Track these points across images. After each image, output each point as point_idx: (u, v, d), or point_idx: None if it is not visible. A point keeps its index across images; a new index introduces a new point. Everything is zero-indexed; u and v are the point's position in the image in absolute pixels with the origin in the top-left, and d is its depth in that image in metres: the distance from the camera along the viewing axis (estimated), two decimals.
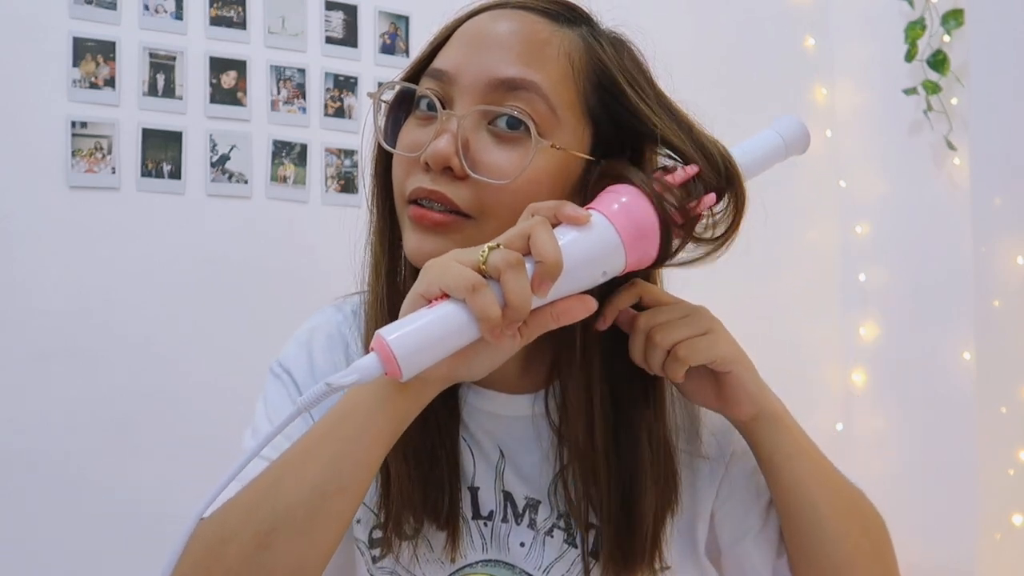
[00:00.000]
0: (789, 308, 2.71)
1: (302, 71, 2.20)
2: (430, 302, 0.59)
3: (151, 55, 2.05)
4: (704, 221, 0.68)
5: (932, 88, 2.44)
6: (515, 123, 0.66)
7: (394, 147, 0.71)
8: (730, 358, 0.70)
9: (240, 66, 2.14)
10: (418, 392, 0.62)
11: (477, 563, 0.75)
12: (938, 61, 2.42)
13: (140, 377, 2.00)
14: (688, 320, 0.70)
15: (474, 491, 0.76)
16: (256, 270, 2.13)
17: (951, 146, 2.42)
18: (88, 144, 1.98)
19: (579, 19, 0.72)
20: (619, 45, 0.72)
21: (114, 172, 2.00)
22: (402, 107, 0.73)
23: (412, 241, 0.68)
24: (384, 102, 0.74)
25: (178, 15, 2.08)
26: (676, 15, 2.55)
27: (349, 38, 2.27)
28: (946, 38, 2.42)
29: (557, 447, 0.75)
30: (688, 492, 0.78)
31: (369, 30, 2.29)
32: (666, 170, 0.68)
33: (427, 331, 0.57)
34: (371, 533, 0.75)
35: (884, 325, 2.70)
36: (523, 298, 0.58)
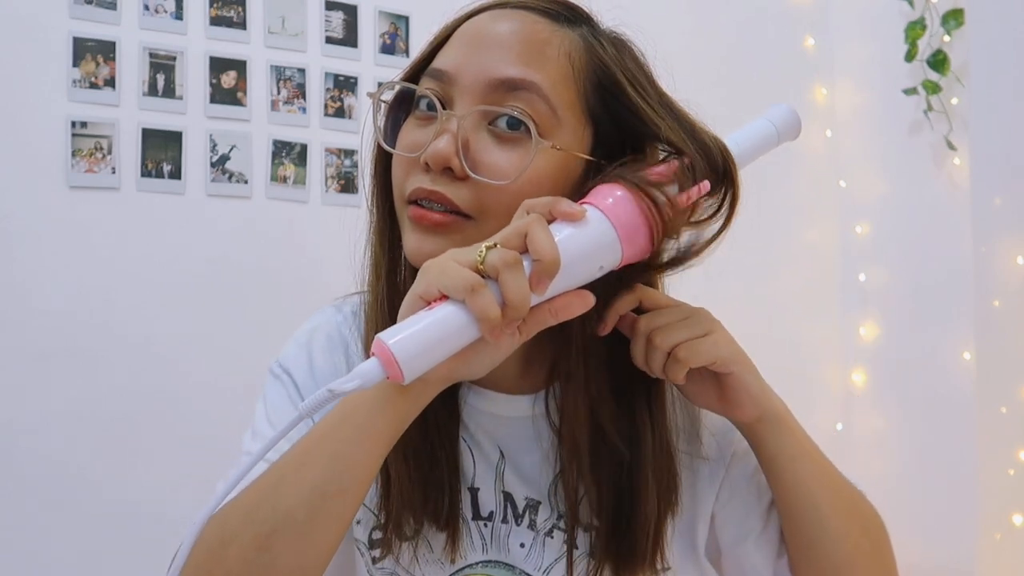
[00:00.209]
0: (789, 308, 2.71)
1: (302, 71, 2.20)
2: (429, 304, 0.59)
3: (151, 55, 2.05)
4: (698, 213, 0.68)
5: (932, 88, 2.44)
6: (515, 123, 0.66)
7: (394, 147, 0.71)
8: (731, 359, 0.70)
9: (240, 66, 2.14)
10: (418, 393, 0.62)
11: (477, 564, 0.75)
12: (938, 61, 2.42)
13: (140, 377, 2.00)
14: (688, 322, 0.70)
15: (474, 492, 0.76)
16: (256, 270, 2.13)
17: (951, 146, 2.42)
18: (88, 144, 1.98)
19: (579, 19, 0.72)
20: (619, 45, 0.72)
21: (114, 172, 2.00)
22: (402, 107, 0.73)
23: (412, 241, 0.68)
24: (384, 102, 0.74)
25: (178, 15, 2.08)
26: (676, 15, 2.55)
27: (349, 38, 2.27)
28: (946, 38, 2.42)
29: (557, 448, 0.74)
30: (688, 493, 0.77)
31: (369, 30, 2.29)
32: (659, 162, 0.68)
33: (428, 333, 0.57)
34: (371, 534, 0.75)
35: (884, 325, 2.70)
36: (522, 297, 0.58)
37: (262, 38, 2.17)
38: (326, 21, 2.24)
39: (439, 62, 0.70)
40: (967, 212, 2.17)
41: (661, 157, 0.70)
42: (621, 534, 0.73)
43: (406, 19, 2.33)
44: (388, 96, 0.74)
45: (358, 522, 0.75)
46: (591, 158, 0.69)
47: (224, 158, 2.11)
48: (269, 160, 2.16)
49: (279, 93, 2.18)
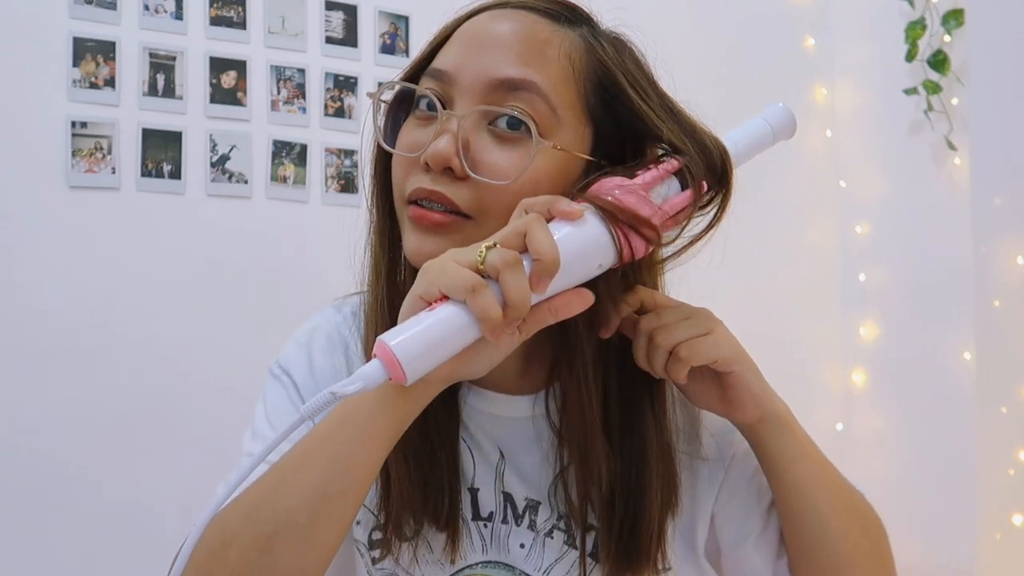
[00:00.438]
0: (789, 308, 2.71)
1: (302, 71, 2.20)
2: (430, 304, 0.59)
3: (151, 55, 2.05)
4: (693, 212, 0.68)
5: (932, 88, 2.44)
6: (516, 123, 0.66)
7: (394, 147, 0.71)
8: (732, 358, 0.70)
9: (240, 66, 2.14)
10: (419, 393, 0.62)
11: (477, 564, 0.75)
12: (938, 61, 2.42)
13: (140, 377, 2.00)
14: (690, 321, 0.70)
15: (474, 492, 0.76)
16: (256, 270, 2.13)
17: (951, 146, 2.42)
18: (88, 144, 1.98)
19: (579, 19, 0.72)
20: (620, 45, 0.72)
21: (114, 172, 2.00)
22: (402, 107, 0.73)
23: (412, 241, 0.68)
24: (384, 102, 0.74)
25: (178, 15, 2.08)
26: (676, 15, 2.55)
27: (349, 38, 2.27)
28: (946, 38, 2.42)
29: (557, 448, 0.74)
30: (688, 493, 0.77)
31: (369, 30, 2.29)
32: (657, 160, 0.68)
33: (429, 334, 0.57)
34: (371, 534, 0.75)
35: (884, 325, 2.70)
36: (523, 297, 0.58)
37: (262, 38, 2.17)
38: (326, 21, 2.24)
39: (439, 62, 0.70)
40: (967, 212, 2.17)
41: (660, 155, 0.70)
42: (624, 534, 0.72)
43: (406, 19, 2.33)
44: (388, 96, 0.74)
45: (358, 523, 0.75)
46: (591, 158, 0.69)
47: (224, 158, 2.11)
48: (269, 160, 2.16)
49: (279, 93, 2.18)
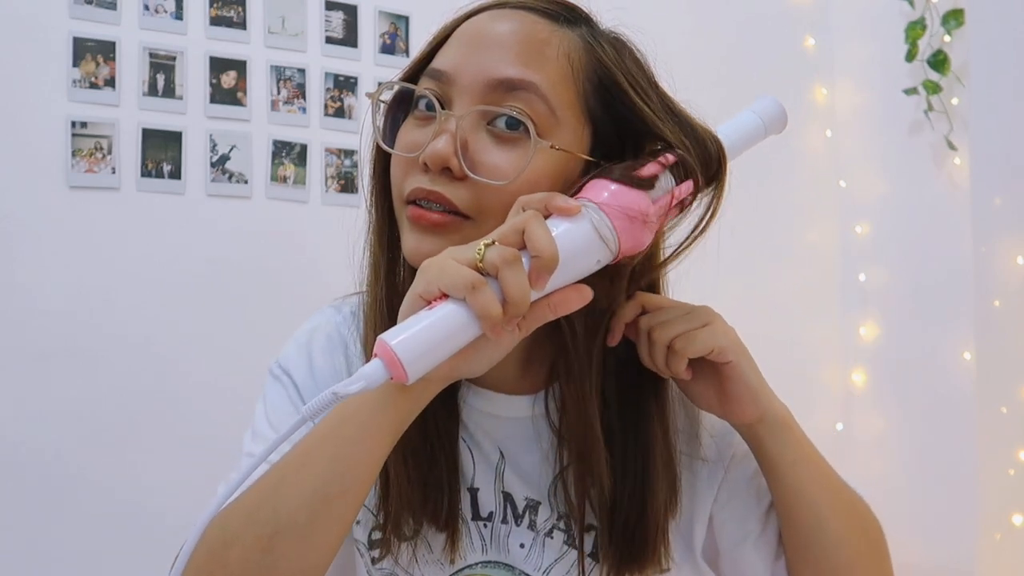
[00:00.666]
0: (789, 308, 2.71)
1: (302, 71, 2.20)
2: (429, 303, 0.59)
3: (151, 55, 2.05)
4: (687, 206, 0.68)
5: (932, 88, 2.44)
6: (514, 123, 0.66)
7: (392, 147, 0.71)
8: (728, 348, 0.70)
9: (240, 66, 2.14)
10: (419, 392, 0.62)
11: (477, 564, 0.75)
12: (938, 61, 2.42)
13: (140, 377, 2.00)
14: (687, 316, 0.71)
15: (474, 492, 0.76)
16: (256, 270, 2.13)
17: (951, 146, 2.42)
18: (88, 144, 1.98)
19: (579, 19, 0.72)
20: (619, 45, 0.72)
21: (114, 172, 2.00)
22: (401, 107, 0.73)
23: (410, 241, 0.68)
24: (383, 102, 0.74)
25: (178, 15, 2.08)
26: (676, 15, 2.55)
27: (349, 38, 2.27)
28: (946, 38, 2.42)
29: (557, 448, 0.74)
30: (687, 494, 0.78)
31: (369, 30, 2.29)
32: (653, 154, 0.68)
33: (430, 333, 0.57)
34: (370, 534, 0.75)
35: (884, 325, 2.70)
36: (522, 293, 0.58)
37: (262, 38, 2.17)
38: (326, 21, 2.24)
39: (438, 62, 0.70)
40: (967, 212, 2.17)
41: (655, 149, 0.69)
42: (628, 534, 0.73)
43: (406, 19, 2.33)
44: (387, 96, 0.74)
45: (357, 522, 0.75)
46: (590, 158, 0.69)
47: (224, 158, 2.11)
48: (269, 160, 2.16)
49: (279, 93, 2.18)
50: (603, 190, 0.63)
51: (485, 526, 0.75)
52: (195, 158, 2.08)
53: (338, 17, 2.25)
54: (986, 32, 2.08)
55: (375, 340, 0.71)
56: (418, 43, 2.29)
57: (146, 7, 2.04)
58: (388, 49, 2.30)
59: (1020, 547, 1.99)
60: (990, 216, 2.05)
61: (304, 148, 2.20)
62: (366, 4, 2.28)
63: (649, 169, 0.65)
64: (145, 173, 2.03)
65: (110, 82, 2.00)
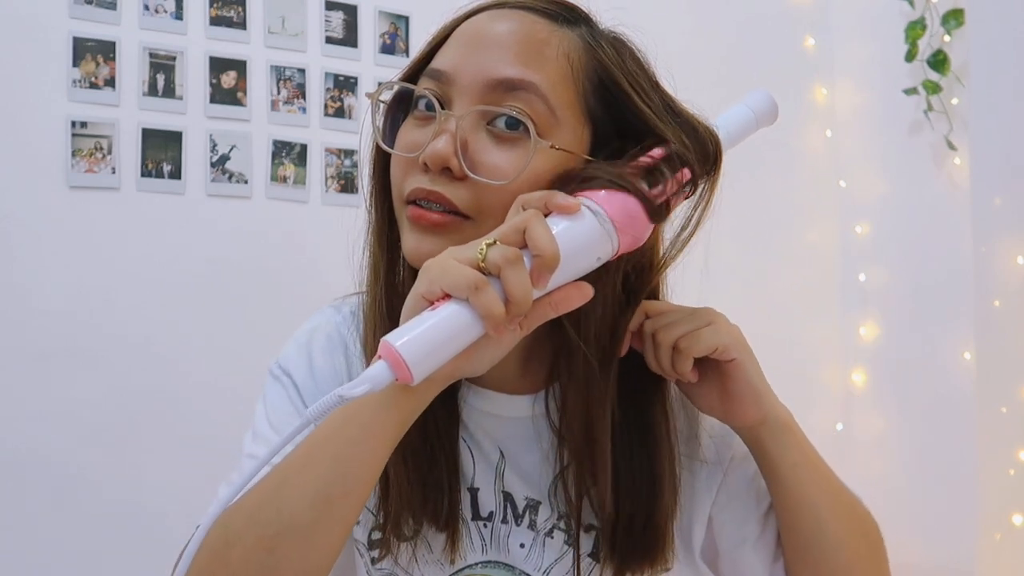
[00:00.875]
0: (789, 308, 2.71)
1: (302, 71, 2.20)
2: (432, 303, 0.59)
3: (151, 55, 2.05)
4: (685, 198, 0.68)
5: (932, 88, 2.44)
6: (514, 123, 0.66)
7: (392, 147, 0.71)
8: (732, 346, 0.70)
9: (240, 66, 2.14)
10: (422, 392, 0.62)
11: (476, 564, 0.75)
12: (938, 61, 2.42)
13: (140, 377, 2.00)
14: (691, 317, 0.71)
15: (474, 492, 0.76)
16: (256, 270, 2.13)
17: (951, 146, 2.42)
18: (88, 144, 1.98)
19: (578, 19, 0.72)
20: (619, 45, 0.72)
21: (114, 172, 2.00)
22: (400, 107, 0.73)
23: (410, 241, 0.68)
24: (382, 102, 0.74)
25: (178, 15, 2.08)
26: (676, 15, 2.55)
27: (349, 38, 2.27)
28: (946, 38, 2.42)
29: (557, 448, 0.74)
30: (686, 495, 0.78)
31: (369, 30, 2.29)
32: (648, 148, 0.68)
33: (433, 333, 0.57)
34: (370, 534, 0.75)
35: (884, 325, 2.70)
36: (525, 293, 0.58)
37: (262, 38, 2.17)
38: (326, 21, 2.24)
39: (437, 62, 0.70)
40: (967, 212, 2.17)
41: (650, 143, 0.69)
42: (633, 533, 0.73)
43: (406, 19, 2.33)
44: (387, 96, 0.74)
45: (357, 523, 0.75)
46: (590, 158, 0.69)
47: (224, 158, 2.11)
48: (269, 160, 2.16)
49: (279, 93, 2.18)
50: (601, 187, 0.63)
51: (485, 526, 0.75)
52: (195, 158, 2.08)
53: (338, 17, 2.25)
54: (986, 32, 2.08)
55: (375, 340, 0.71)
56: (418, 43, 2.29)
57: (146, 7, 2.04)
58: (388, 49, 2.30)
59: (1020, 547, 1.99)
60: (990, 216, 2.05)
61: (304, 148, 2.20)
62: (366, 4, 2.28)
63: (646, 165, 0.65)
64: (145, 173, 2.03)
65: (110, 82, 2.00)
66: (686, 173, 0.67)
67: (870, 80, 2.74)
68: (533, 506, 0.76)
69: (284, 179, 2.17)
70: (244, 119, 2.13)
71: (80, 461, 1.93)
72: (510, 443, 0.76)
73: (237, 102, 2.13)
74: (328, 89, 2.23)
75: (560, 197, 0.62)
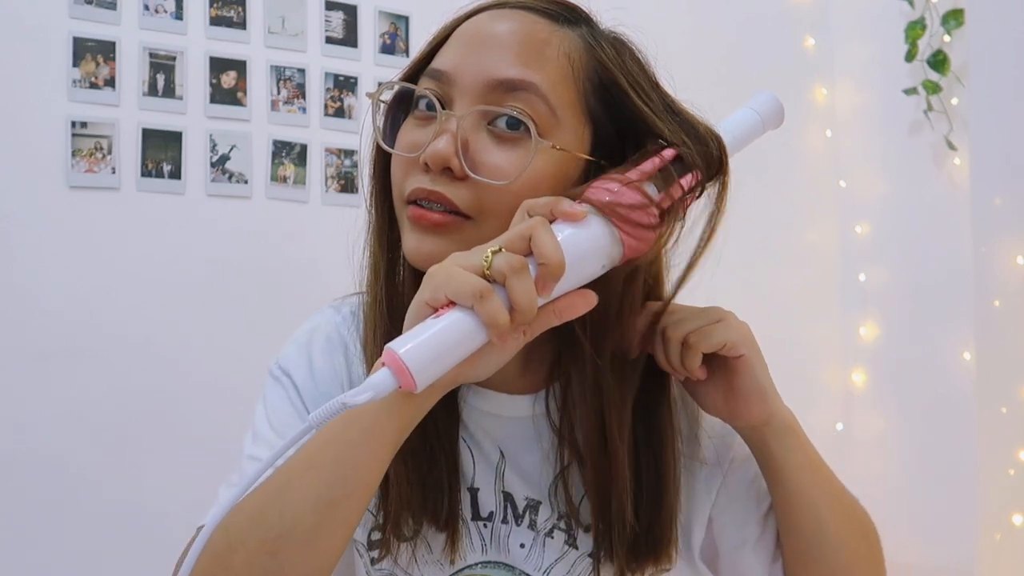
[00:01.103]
0: (789, 308, 2.71)
1: (302, 71, 2.20)
2: (436, 310, 0.59)
3: (151, 55, 2.05)
4: (689, 205, 0.68)
5: (932, 88, 2.44)
6: (515, 123, 0.66)
7: (393, 147, 0.71)
8: (741, 341, 0.70)
9: (240, 66, 2.14)
10: (424, 397, 0.61)
11: (476, 564, 0.75)
12: (938, 61, 2.42)
13: (140, 377, 2.00)
14: (699, 314, 0.71)
15: (474, 492, 0.75)
16: (256, 270, 2.13)
17: (951, 146, 2.42)
18: (88, 144, 1.98)
19: (579, 19, 0.72)
20: (619, 45, 0.72)
21: (114, 172, 2.00)
22: (401, 107, 0.73)
23: (411, 242, 0.68)
24: (383, 102, 0.74)
25: (178, 15, 2.08)
26: (676, 15, 2.55)
27: (349, 38, 2.27)
28: (946, 38, 2.42)
29: (558, 447, 0.74)
30: (685, 495, 0.78)
31: (369, 30, 2.29)
32: (653, 153, 0.67)
33: (438, 341, 0.57)
34: (370, 535, 0.75)
35: (884, 325, 2.70)
36: (530, 301, 0.58)
37: (262, 38, 2.17)
38: (326, 21, 2.24)
39: (438, 62, 0.70)
40: (967, 212, 2.17)
41: (655, 148, 0.69)
42: (636, 533, 0.73)
43: (406, 19, 2.33)
44: (387, 96, 0.74)
45: None
46: (591, 158, 0.69)
47: (224, 158, 2.11)
48: (269, 160, 2.16)
49: (279, 93, 2.18)
50: (606, 193, 0.63)
51: (485, 526, 0.75)
52: (195, 158, 2.08)
53: (338, 17, 2.25)
54: (986, 32, 2.08)
55: (376, 340, 0.71)
56: (418, 43, 2.29)
57: (146, 7, 2.04)
58: (388, 49, 2.30)
59: (1020, 547, 1.99)
60: (990, 216, 2.05)
61: (304, 148, 2.20)
62: (366, 4, 2.28)
63: (649, 167, 0.65)
64: (145, 173, 2.03)
65: (110, 82, 2.00)
66: (691, 177, 0.67)
67: (870, 80, 2.74)
68: (533, 506, 0.76)
69: (284, 179, 2.17)
70: (244, 119, 2.13)
71: (80, 461, 1.93)
72: (510, 443, 0.76)
73: (237, 102, 2.13)
74: (328, 89, 2.23)
75: (565, 204, 0.62)
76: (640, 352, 0.72)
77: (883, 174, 2.69)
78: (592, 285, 0.63)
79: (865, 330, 2.74)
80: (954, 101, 2.43)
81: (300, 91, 2.20)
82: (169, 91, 2.06)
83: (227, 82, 2.12)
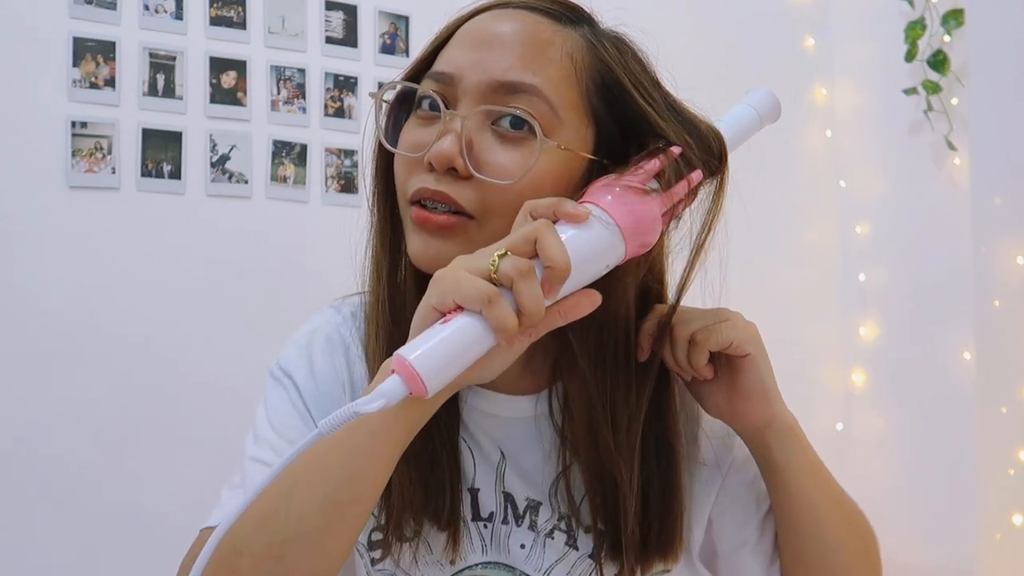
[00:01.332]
0: (789, 308, 2.71)
1: (302, 71, 2.20)
2: (443, 315, 0.59)
3: (151, 55, 2.05)
4: (691, 203, 0.68)
5: (932, 88, 2.44)
6: (519, 123, 0.66)
7: (395, 147, 0.71)
8: (747, 340, 0.70)
9: (240, 66, 2.14)
10: (431, 399, 0.61)
11: (477, 565, 0.75)
12: (938, 61, 2.42)
13: (140, 377, 2.00)
14: (706, 313, 0.72)
15: (474, 492, 0.75)
16: (256, 270, 2.13)
17: (951, 146, 2.42)
18: (88, 144, 1.98)
19: (581, 19, 0.72)
20: (621, 45, 0.72)
21: (114, 172, 2.00)
22: (403, 107, 0.73)
23: (416, 244, 0.68)
24: (385, 102, 0.74)
25: (178, 15, 2.08)
26: (676, 15, 2.55)
27: (349, 38, 2.27)
28: (946, 38, 2.42)
29: (560, 448, 0.74)
30: (685, 495, 0.77)
31: (369, 30, 2.29)
32: (654, 153, 0.68)
33: (447, 347, 0.57)
34: (370, 535, 0.75)
35: (884, 325, 2.70)
36: (537, 305, 0.58)
37: (262, 38, 2.17)
38: (326, 21, 2.24)
39: (441, 63, 0.70)
40: (967, 212, 2.17)
41: (656, 146, 0.69)
42: (641, 533, 0.73)
43: (406, 19, 2.33)
44: (390, 96, 0.74)
45: None
46: (594, 157, 0.69)
47: (224, 158, 2.11)
48: (269, 160, 2.16)
49: (279, 93, 2.18)
50: (608, 193, 0.63)
51: (485, 527, 0.75)
52: (195, 158, 2.08)
53: (338, 17, 2.25)
54: (986, 32, 2.08)
55: (379, 341, 0.71)
56: (418, 43, 2.29)
57: (146, 7, 2.04)
58: (388, 49, 2.30)
59: (1020, 547, 1.99)
60: (990, 216, 2.05)
61: (304, 148, 2.20)
62: (366, 4, 2.28)
63: (652, 168, 0.65)
64: (145, 173, 2.03)
65: (110, 82, 2.00)
66: (693, 176, 0.67)
67: (870, 80, 2.74)
68: (533, 507, 0.76)
69: (284, 179, 2.17)
70: (244, 119, 2.13)
71: (80, 461, 1.93)
72: (510, 443, 0.76)
73: (237, 102, 2.13)
74: (328, 89, 2.23)
75: (569, 205, 0.62)
76: (649, 354, 0.72)
77: (883, 174, 2.69)
78: (594, 284, 0.63)
79: (865, 330, 2.74)
80: (954, 101, 2.43)
81: (300, 91, 2.20)
82: (169, 91, 2.06)
83: (227, 82, 2.12)
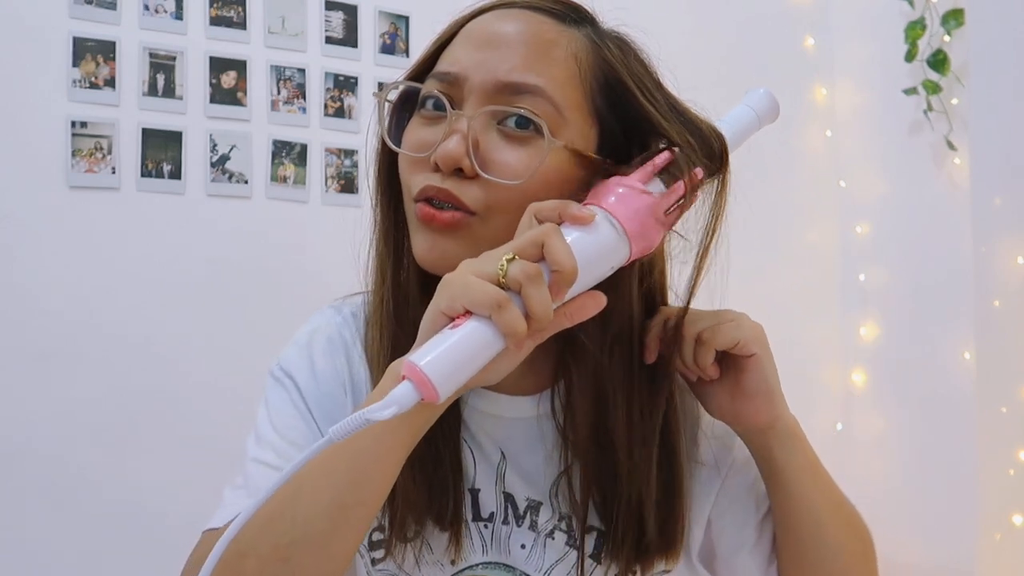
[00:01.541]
0: (789, 308, 2.71)
1: (302, 71, 2.20)
2: (452, 319, 0.59)
3: (151, 55, 2.05)
4: (693, 203, 0.68)
5: (932, 88, 2.44)
6: (525, 122, 0.66)
7: (398, 146, 0.71)
8: (753, 340, 0.70)
9: (240, 66, 2.14)
10: (438, 404, 0.62)
11: (477, 565, 0.75)
12: (938, 61, 2.42)
13: (140, 377, 2.00)
14: (713, 314, 0.72)
15: (474, 493, 0.75)
16: (256, 270, 2.13)
17: (951, 146, 2.42)
18: (88, 144, 1.98)
19: (584, 19, 0.72)
20: (624, 45, 0.72)
21: (114, 172, 2.00)
22: (405, 107, 0.73)
23: (421, 243, 0.68)
24: (389, 102, 0.73)
25: (178, 15, 2.08)
26: (676, 15, 2.55)
27: (349, 38, 2.27)
28: (946, 38, 2.42)
29: (561, 448, 0.74)
30: (686, 495, 0.78)
31: (369, 30, 2.29)
32: (657, 153, 0.68)
33: (457, 352, 0.57)
34: (371, 535, 0.75)
35: (884, 325, 2.70)
36: (546, 309, 0.58)
37: (262, 38, 2.17)
38: (326, 21, 2.24)
39: (445, 64, 0.70)
40: (967, 212, 2.17)
41: (659, 147, 0.69)
42: (644, 533, 0.73)
43: (406, 19, 2.33)
44: (393, 96, 0.74)
45: None
46: (598, 157, 0.69)
47: (224, 158, 2.11)
48: (269, 160, 2.16)
49: (279, 93, 2.18)
50: (611, 194, 0.64)
51: (486, 527, 0.75)
52: (195, 158, 2.08)
53: (338, 17, 2.25)
54: (986, 32, 2.08)
55: (382, 342, 0.71)
56: (418, 43, 2.29)
57: (146, 7, 2.04)
58: (388, 49, 2.30)
59: (1020, 547, 1.99)
60: (990, 216, 2.05)
61: (304, 148, 2.20)
62: (366, 4, 2.28)
63: (652, 166, 0.66)
64: (145, 173, 2.03)
65: (110, 82, 2.00)
66: (696, 176, 0.67)
67: (870, 80, 2.74)
68: (534, 507, 0.76)
69: (284, 179, 2.17)
70: (244, 119, 2.13)
71: (80, 461, 1.93)
72: (511, 444, 0.76)
73: (237, 102, 2.13)
74: (328, 89, 2.23)
75: (574, 208, 0.62)
76: (657, 356, 0.72)
77: (883, 174, 2.69)
78: (599, 285, 0.64)
79: (865, 330, 2.74)
80: (954, 101, 2.43)
81: (300, 91, 2.20)
82: (169, 91, 2.06)
83: (227, 82, 2.12)
